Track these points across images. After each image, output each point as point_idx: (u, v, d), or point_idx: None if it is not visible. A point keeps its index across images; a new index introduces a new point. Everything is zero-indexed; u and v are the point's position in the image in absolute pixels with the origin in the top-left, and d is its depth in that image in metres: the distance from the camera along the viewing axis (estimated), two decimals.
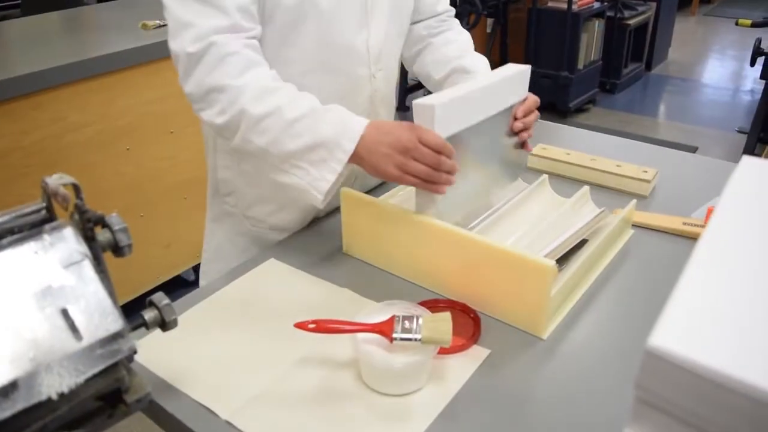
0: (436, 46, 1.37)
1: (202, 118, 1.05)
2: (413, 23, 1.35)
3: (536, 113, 1.23)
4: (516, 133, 1.22)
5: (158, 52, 2.30)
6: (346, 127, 1.00)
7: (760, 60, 3.48)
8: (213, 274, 1.31)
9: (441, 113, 0.97)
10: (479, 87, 1.07)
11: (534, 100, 1.22)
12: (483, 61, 1.35)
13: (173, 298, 1.12)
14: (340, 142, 0.99)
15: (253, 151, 1.04)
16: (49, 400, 0.46)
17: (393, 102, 1.35)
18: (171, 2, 1.01)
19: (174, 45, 1.01)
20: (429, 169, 0.97)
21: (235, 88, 0.99)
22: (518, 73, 1.16)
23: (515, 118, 1.20)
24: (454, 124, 1.02)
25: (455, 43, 1.36)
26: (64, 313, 0.49)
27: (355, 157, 1.00)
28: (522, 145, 1.26)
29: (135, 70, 2.27)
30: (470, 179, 1.13)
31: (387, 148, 0.98)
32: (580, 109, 4.86)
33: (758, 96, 4.45)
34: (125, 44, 2.27)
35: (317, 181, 1.01)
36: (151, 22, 2.51)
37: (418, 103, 0.98)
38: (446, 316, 0.84)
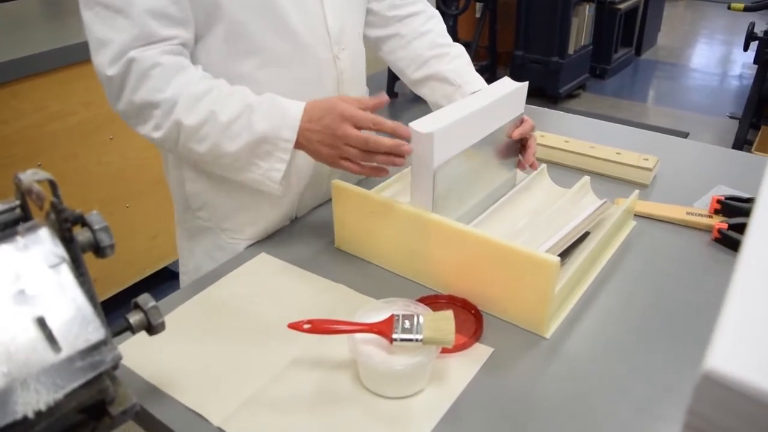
0: (406, 39, 1.29)
1: (139, 133, 1.02)
2: None
3: (534, 136, 1.21)
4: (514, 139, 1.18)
5: None
6: (284, 115, 0.98)
7: (753, 45, 3.45)
8: None
9: (439, 139, 0.95)
10: (477, 109, 1.03)
11: (531, 125, 1.19)
12: (463, 60, 1.28)
13: (161, 291, 1.08)
14: (279, 134, 0.98)
15: (197, 157, 1.03)
16: (26, 418, 0.43)
17: (363, 83, 1.27)
18: (87, 16, 0.97)
19: (94, 63, 0.97)
20: (360, 152, 0.96)
21: (165, 102, 0.97)
22: (515, 89, 1.12)
23: (509, 137, 1.16)
24: (453, 147, 1.01)
25: (427, 37, 1.29)
26: (41, 322, 0.46)
27: (297, 145, 0.99)
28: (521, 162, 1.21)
29: None
30: (469, 176, 1.09)
31: (319, 133, 0.97)
32: (570, 95, 4.83)
33: (747, 81, 4.44)
34: None
35: (269, 172, 1.01)
36: None
37: (416, 129, 0.95)
38: (448, 314, 0.81)
